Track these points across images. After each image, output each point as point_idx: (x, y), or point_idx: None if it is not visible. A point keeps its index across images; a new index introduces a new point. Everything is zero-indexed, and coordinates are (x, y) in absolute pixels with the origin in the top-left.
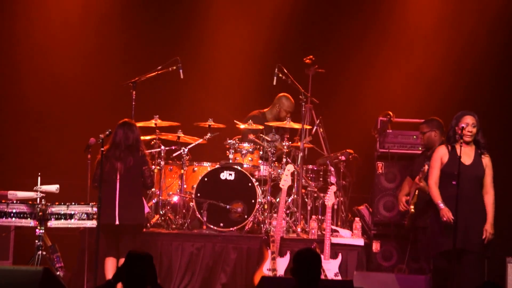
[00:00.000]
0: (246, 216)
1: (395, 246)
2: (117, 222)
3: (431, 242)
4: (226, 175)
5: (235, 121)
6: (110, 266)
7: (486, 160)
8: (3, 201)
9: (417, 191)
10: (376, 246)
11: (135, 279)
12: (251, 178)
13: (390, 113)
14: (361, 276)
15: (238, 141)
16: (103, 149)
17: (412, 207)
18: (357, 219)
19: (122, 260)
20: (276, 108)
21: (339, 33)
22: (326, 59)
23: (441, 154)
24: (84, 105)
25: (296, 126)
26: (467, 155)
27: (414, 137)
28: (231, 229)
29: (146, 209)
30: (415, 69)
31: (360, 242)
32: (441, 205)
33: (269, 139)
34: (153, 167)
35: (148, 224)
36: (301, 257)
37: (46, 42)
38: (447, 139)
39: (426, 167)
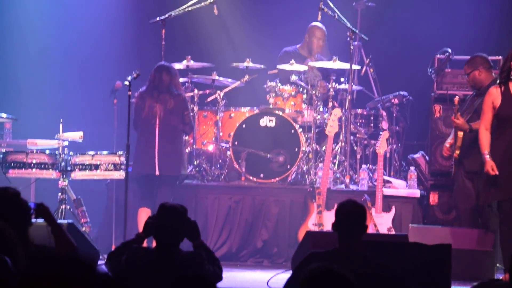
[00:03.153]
0: (288, 166)
1: None
2: (157, 173)
3: (489, 190)
4: (266, 122)
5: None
6: (144, 217)
7: None
8: (21, 151)
9: (461, 133)
10: (433, 198)
11: (167, 233)
12: (294, 124)
13: (449, 50)
14: (417, 230)
15: (279, 84)
16: (129, 92)
17: (457, 152)
18: (412, 168)
19: None
20: (306, 39)
21: None
22: None
23: (493, 96)
24: (109, 46)
25: (344, 66)
26: None
27: None
28: (272, 180)
29: None
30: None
31: (416, 193)
32: (487, 157)
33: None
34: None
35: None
36: (342, 209)
37: None
38: (499, 76)
39: (457, 98)
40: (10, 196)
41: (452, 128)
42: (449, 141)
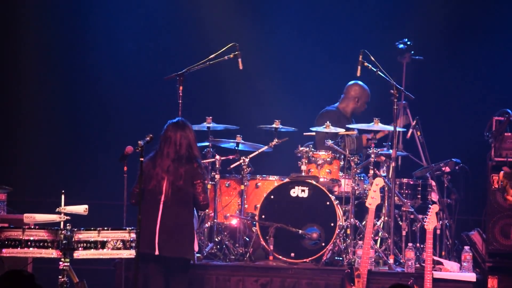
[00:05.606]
0: (323, 244)
1: None
2: (156, 253)
3: None
4: (297, 192)
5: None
6: None
7: None
8: (17, 227)
9: None
10: (492, 283)
11: None
12: (330, 195)
13: (509, 111)
14: None
15: (312, 149)
16: (142, 159)
17: None
18: (466, 248)
19: None
20: (352, 100)
21: (440, 11)
22: (424, 43)
23: None
24: (119, 106)
25: (387, 128)
26: None
27: None
28: (304, 260)
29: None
30: None
31: (472, 277)
32: None
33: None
34: (207, 182)
35: (200, 255)
36: None
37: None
38: None
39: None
40: (25, 280)
41: None
42: None
